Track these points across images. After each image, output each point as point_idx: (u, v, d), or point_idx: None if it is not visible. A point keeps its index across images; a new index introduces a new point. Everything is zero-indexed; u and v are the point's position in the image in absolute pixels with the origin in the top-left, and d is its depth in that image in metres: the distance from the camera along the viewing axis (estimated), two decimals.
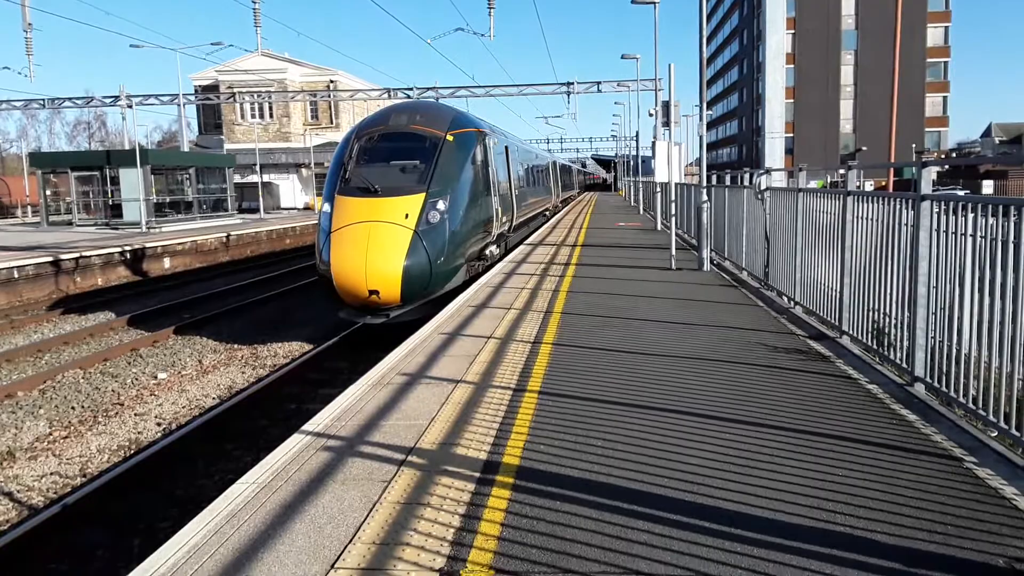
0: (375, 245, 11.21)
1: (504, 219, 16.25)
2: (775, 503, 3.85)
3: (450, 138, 12.88)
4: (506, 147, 17.97)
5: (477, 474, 4.40)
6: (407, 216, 11.57)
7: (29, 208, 48.70)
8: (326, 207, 12.12)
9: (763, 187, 10.94)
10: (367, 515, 3.91)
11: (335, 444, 5.01)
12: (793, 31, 77.45)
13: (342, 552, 3.53)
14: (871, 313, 6.72)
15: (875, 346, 6.65)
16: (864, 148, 73.88)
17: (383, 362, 7.33)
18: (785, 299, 9.65)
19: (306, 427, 5.40)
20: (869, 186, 54.21)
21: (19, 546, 5.79)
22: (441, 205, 11.89)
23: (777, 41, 77.57)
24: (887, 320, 6.36)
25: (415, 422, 5.41)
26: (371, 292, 11.12)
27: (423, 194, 11.87)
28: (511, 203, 17.50)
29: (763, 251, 10.91)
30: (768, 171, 11.58)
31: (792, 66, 77.78)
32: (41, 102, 42.65)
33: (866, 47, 75.95)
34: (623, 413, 5.39)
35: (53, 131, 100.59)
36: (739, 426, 5.05)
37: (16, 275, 19.08)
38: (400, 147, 12.79)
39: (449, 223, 11.96)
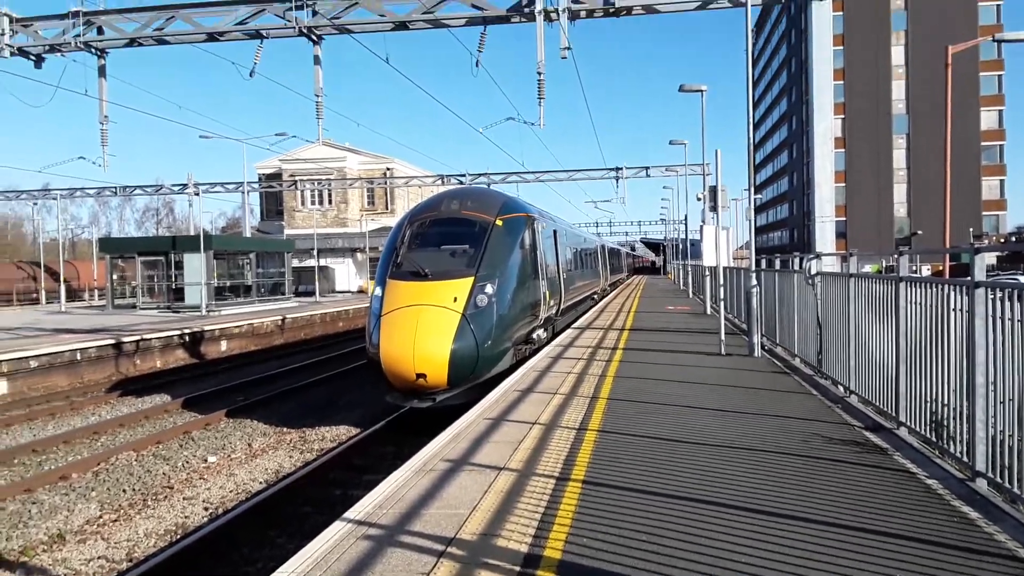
0: (423, 328, 11.31)
1: (552, 302, 16.30)
2: None
3: (499, 223, 13.11)
4: (555, 231, 18.18)
5: (517, 568, 4.29)
6: (455, 299, 11.70)
7: (96, 291, 50.67)
8: (377, 291, 12.34)
9: (813, 271, 10.80)
10: None
11: (375, 532, 4.97)
12: (843, 116, 77.72)
13: None
14: (929, 403, 6.48)
15: (934, 438, 6.38)
16: (919, 232, 72.73)
17: (427, 448, 7.30)
18: (840, 388, 9.38)
19: (347, 515, 5.37)
20: (926, 271, 53.07)
21: None
22: (489, 289, 12.01)
23: (825, 127, 77.75)
24: (946, 411, 6.12)
25: (456, 511, 5.33)
26: (418, 375, 11.16)
27: (472, 278, 12.02)
28: (559, 286, 17.57)
29: (815, 337, 10.69)
30: (818, 255, 11.45)
31: (842, 150, 77.72)
32: (113, 190, 44.96)
33: (918, 131, 75.71)
34: (670, 505, 5.24)
35: (123, 217, 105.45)
36: (792, 522, 4.85)
37: (79, 357, 19.72)
38: (450, 232, 13.05)
39: (497, 307, 12.05)
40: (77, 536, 8.27)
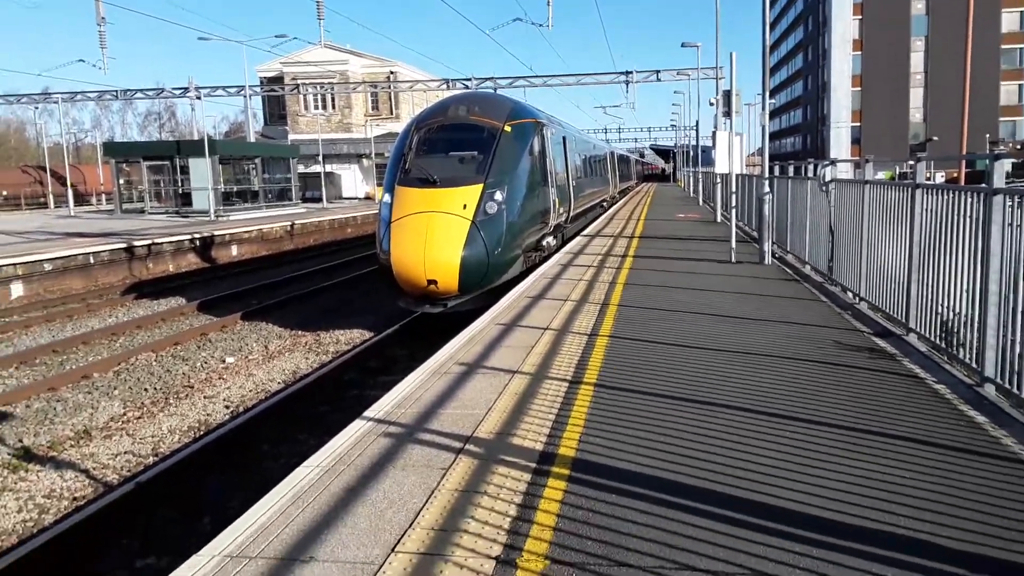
0: (433, 235, 11.36)
1: (561, 210, 16.25)
2: (835, 503, 3.81)
3: (508, 129, 12.94)
4: (563, 137, 17.93)
5: (533, 464, 4.46)
6: (465, 207, 11.68)
7: (104, 196, 50.60)
8: (386, 197, 12.31)
9: (828, 179, 10.70)
10: (426, 501, 4.00)
11: (395, 431, 5.14)
12: (860, 17, 75.02)
13: (402, 536, 3.63)
14: (939, 310, 6.54)
15: (943, 345, 6.47)
16: (935, 138, 71.38)
17: (441, 351, 7.45)
18: (850, 294, 9.44)
19: (367, 413, 5.54)
20: (940, 178, 52.34)
21: (95, 521, 6.08)
22: (499, 196, 11.96)
23: (844, 27, 75.28)
24: (956, 318, 6.18)
25: (472, 411, 5.49)
26: (429, 282, 11.28)
27: (481, 185, 11.96)
28: (568, 194, 17.47)
29: (827, 245, 10.68)
30: (833, 162, 11.30)
31: (859, 53, 75.41)
32: (114, 93, 44.19)
33: (937, 33, 73.17)
34: (680, 408, 5.38)
35: (125, 122, 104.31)
36: (799, 424, 4.99)
37: (92, 260, 19.90)
38: (459, 138, 12.90)
39: (506, 214, 12.04)
40: (103, 432, 8.56)
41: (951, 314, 6.28)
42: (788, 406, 5.35)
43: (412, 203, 11.82)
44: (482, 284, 11.76)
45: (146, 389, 10.22)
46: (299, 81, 54.77)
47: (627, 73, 40.40)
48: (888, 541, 3.43)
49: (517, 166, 12.77)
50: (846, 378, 6.06)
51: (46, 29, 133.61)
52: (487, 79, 40.59)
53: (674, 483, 4.10)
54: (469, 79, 41.10)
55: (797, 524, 3.60)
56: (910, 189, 7.15)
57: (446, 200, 11.74)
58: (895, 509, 3.72)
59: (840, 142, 75.39)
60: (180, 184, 35.67)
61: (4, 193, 46.13)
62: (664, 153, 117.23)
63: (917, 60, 75.64)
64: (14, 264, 17.62)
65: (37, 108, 54.58)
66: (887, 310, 7.96)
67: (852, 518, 3.65)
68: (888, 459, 4.36)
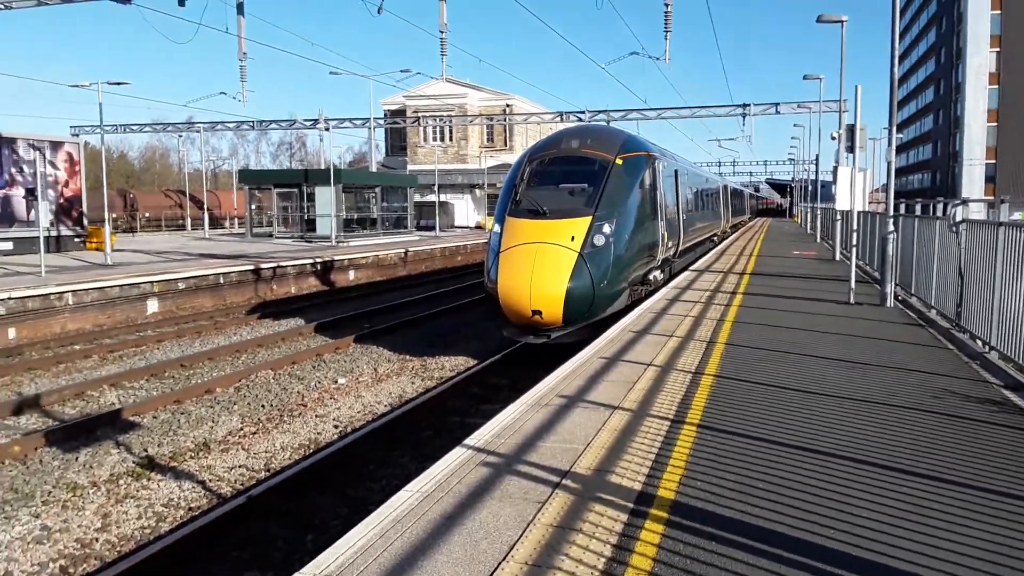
0: (540, 266, 11.44)
1: (670, 244, 16.04)
2: (951, 566, 3.56)
3: (619, 162, 12.93)
4: (675, 170, 17.76)
5: (631, 504, 4.39)
6: (573, 238, 11.72)
7: (236, 220, 53.79)
8: (496, 228, 12.52)
9: (958, 218, 10.12)
10: (521, 534, 4.01)
11: (494, 460, 5.18)
12: (998, 49, 70.74)
13: (495, 569, 3.65)
14: None
15: None
16: None
17: (543, 383, 7.47)
18: (979, 343, 8.85)
19: (468, 441, 5.61)
20: None
21: (208, 532, 6.41)
22: (607, 228, 11.95)
23: (980, 60, 71.20)
24: None
25: (571, 445, 5.47)
26: (534, 312, 11.35)
27: (590, 217, 11.98)
28: (678, 227, 17.24)
29: (956, 289, 10.07)
30: (965, 201, 10.70)
31: (996, 87, 71.03)
32: (251, 124, 47.16)
33: None
34: (788, 455, 5.18)
35: (259, 150, 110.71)
36: (915, 479, 4.71)
37: (222, 281, 21.16)
38: (570, 170, 13.00)
39: (614, 246, 11.99)
40: (220, 445, 9.03)
41: None
42: (904, 459, 5.06)
43: (521, 234, 11.96)
44: (587, 316, 11.73)
45: (263, 405, 10.72)
46: (420, 114, 56.74)
47: (744, 106, 39.65)
48: None
49: (627, 199, 12.73)
50: (971, 433, 5.67)
51: (192, 63, 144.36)
52: (601, 111, 40.78)
53: (778, 534, 3.94)
54: (583, 112, 41.42)
55: None
56: None
57: (554, 231, 11.82)
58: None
59: (973, 180, 70.97)
60: (306, 210, 37.49)
61: (147, 215, 49.84)
62: (780, 187, 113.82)
63: None
64: (151, 282, 18.95)
65: (181, 136, 58.98)
66: (1020, 361, 7.40)
67: None
68: (1013, 521, 4.04)
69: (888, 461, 5.03)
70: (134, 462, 8.46)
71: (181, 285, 19.83)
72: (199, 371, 12.90)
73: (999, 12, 69.17)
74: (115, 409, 10.24)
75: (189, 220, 49.79)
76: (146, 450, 8.86)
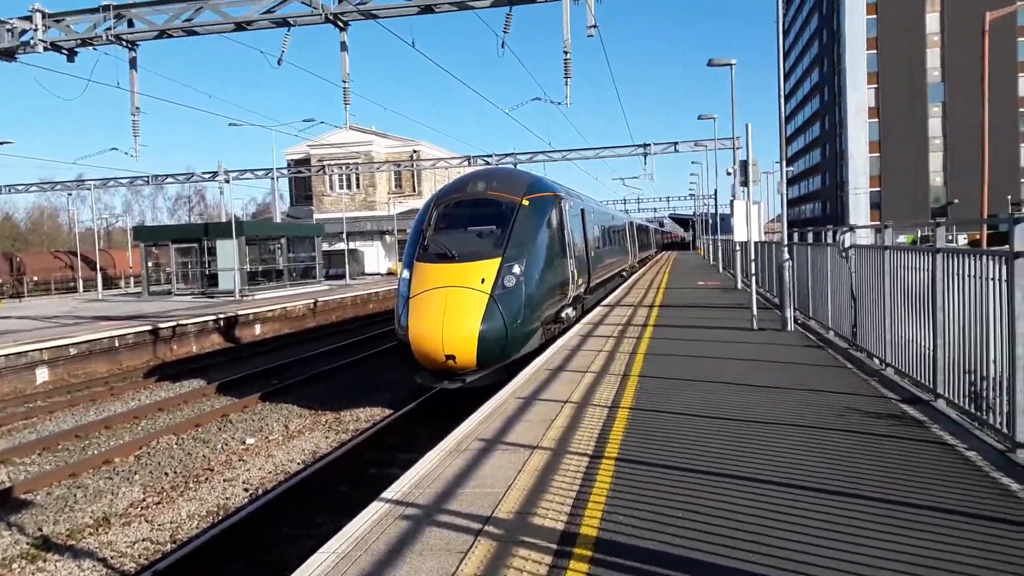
0: (452, 310, 11.35)
1: (580, 281, 16.26)
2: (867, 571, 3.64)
3: (526, 203, 13.07)
4: (582, 209, 18.10)
5: (554, 546, 4.33)
6: (483, 280, 11.70)
7: (132, 279, 51.55)
8: (405, 273, 12.41)
9: (847, 244, 10.66)
10: None
11: (413, 512, 5.03)
12: (876, 85, 76.01)
13: None
14: (968, 375, 6.38)
15: (973, 410, 6.29)
16: (956, 201, 71.09)
17: (460, 428, 7.36)
18: (875, 360, 9.27)
19: (385, 494, 5.45)
20: (963, 241, 51.93)
21: None
22: (517, 269, 11.98)
23: (859, 96, 76.26)
24: (985, 383, 6.02)
25: (492, 490, 5.38)
26: (447, 356, 11.21)
27: (499, 258, 12.00)
28: (587, 265, 17.52)
29: (850, 310, 10.55)
30: (852, 228, 11.28)
31: (876, 120, 76.13)
32: (146, 179, 45.58)
33: (954, 98, 73.72)
34: (703, 482, 5.24)
35: (156, 206, 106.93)
36: (827, 496, 4.83)
37: (117, 344, 20.12)
38: (477, 213, 13.03)
39: (525, 287, 12.03)
40: (122, 519, 8.48)
41: (980, 379, 6.12)
42: (815, 478, 5.19)
43: (430, 279, 11.87)
44: (501, 358, 11.68)
45: (166, 473, 10.16)
46: (325, 162, 56.23)
47: (645, 145, 41.00)
48: None
49: (535, 239, 12.84)
50: (874, 447, 5.89)
51: (81, 119, 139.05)
52: (507, 155, 41.41)
53: (698, 562, 3.96)
54: (490, 156, 41.94)
55: None
56: (931, 254, 7.08)
57: (464, 275, 11.78)
58: None
59: (859, 208, 75.40)
60: (207, 265, 36.31)
61: (35, 278, 47.16)
62: (683, 222, 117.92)
63: (935, 125, 76.07)
64: (40, 349, 17.86)
65: (71, 195, 56.43)
66: (914, 375, 7.78)
67: None
68: (918, 530, 4.19)
69: (798, 480, 5.15)
70: (28, 543, 7.85)
71: (73, 351, 18.75)
72: (95, 441, 12.15)
73: (875, 52, 74.50)
74: (5, 487, 9.49)
75: (81, 282, 47.37)
76: (40, 529, 8.24)
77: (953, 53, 73.59)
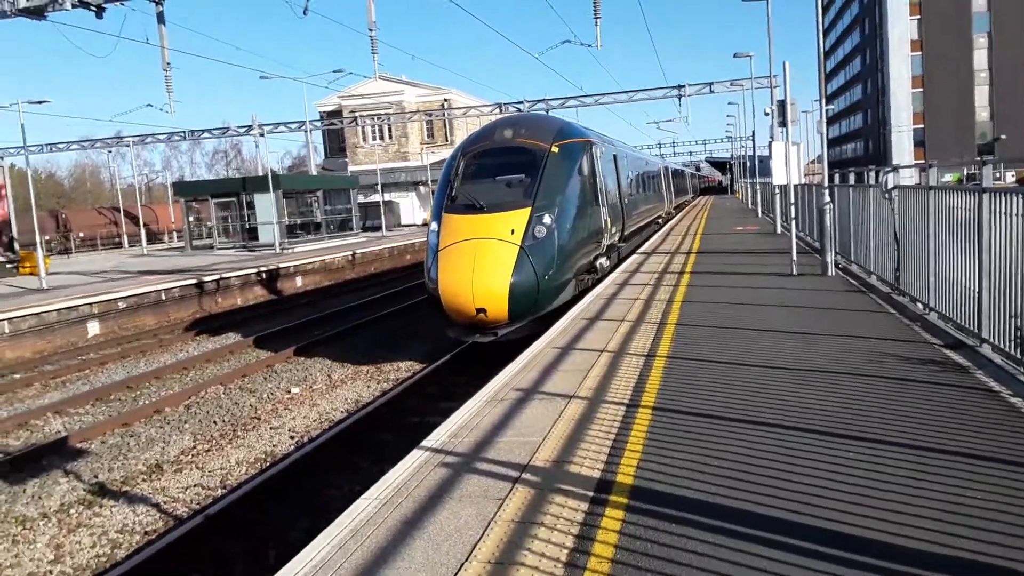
0: (481, 262, 11.14)
1: (614, 229, 16.06)
2: (904, 527, 3.65)
3: (555, 150, 12.77)
4: (615, 155, 17.78)
5: (591, 493, 4.40)
6: (512, 232, 11.45)
7: (175, 234, 52.46)
8: (433, 225, 12.20)
9: (890, 186, 10.39)
10: (482, 533, 3.99)
11: (452, 460, 5.14)
12: (918, 16, 72.95)
13: (458, 570, 3.62)
14: (1014, 319, 6.24)
15: (1019, 355, 6.17)
16: (1003, 136, 68.62)
17: (497, 378, 7.45)
18: (918, 305, 9.10)
19: (425, 443, 5.56)
20: (1010, 177, 50.21)
21: (165, 554, 6.24)
22: (547, 219, 11.73)
23: (901, 28, 73.38)
24: None
25: (529, 439, 5.46)
26: (479, 311, 11.02)
27: (529, 208, 11.72)
28: (621, 213, 17.29)
29: (893, 254, 10.34)
30: (895, 168, 10.97)
31: (919, 53, 73.27)
32: (182, 134, 45.90)
33: (1001, 28, 70.60)
34: (741, 430, 5.25)
35: (194, 161, 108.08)
36: (867, 444, 4.81)
37: (164, 297, 20.62)
38: (505, 162, 12.72)
39: (556, 237, 11.78)
40: (174, 466, 8.81)
41: None
42: (856, 425, 5.17)
43: (459, 230, 11.67)
44: (533, 311, 11.50)
45: (215, 422, 10.48)
46: (357, 114, 56.04)
47: (679, 87, 40.04)
48: (958, 568, 3.26)
49: (566, 187, 12.59)
50: (916, 394, 5.83)
51: (115, 77, 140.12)
52: (539, 101, 40.80)
53: (735, 510, 3.99)
54: (521, 102, 41.39)
55: (862, 551, 3.46)
56: (977, 193, 6.88)
57: (493, 226, 11.56)
58: (966, 532, 3.55)
59: (902, 146, 73.23)
60: (247, 219, 36.76)
61: (81, 235, 48.23)
62: (720, 165, 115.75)
63: (980, 57, 73.05)
64: (90, 303, 18.38)
65: (111, 152, 57.21)
66: (958, 320, 7.64)
67: (920, 543, 3.49)
68: (961, 479, 4.16)
69: (838, 429, 5.13)
70: (84, 490, 8.21)
71: (122, 304, 19.27)
72: (146, 391, 12.55)
73: None
74: (61, 437, 9.92)
75: (126, 237, 48.36)
76: (96, 476, 8.60)
77: None
